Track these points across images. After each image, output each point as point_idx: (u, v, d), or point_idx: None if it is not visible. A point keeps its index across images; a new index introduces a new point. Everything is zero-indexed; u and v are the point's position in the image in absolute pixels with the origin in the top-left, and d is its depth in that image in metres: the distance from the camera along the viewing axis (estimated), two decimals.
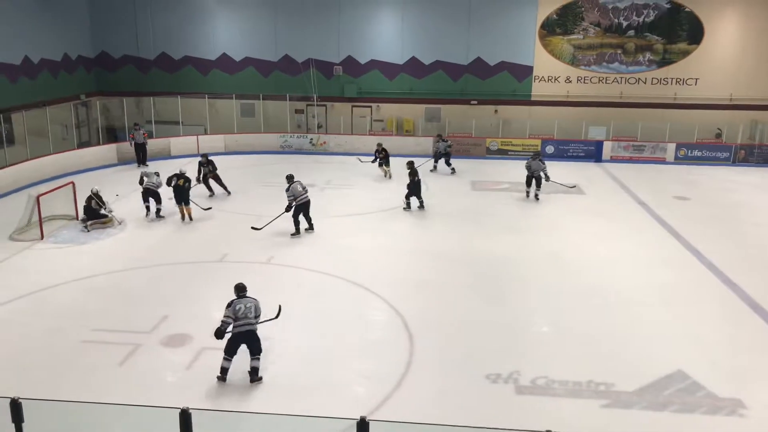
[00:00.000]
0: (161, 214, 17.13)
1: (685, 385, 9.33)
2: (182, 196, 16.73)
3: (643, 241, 15.84)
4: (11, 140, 22.19)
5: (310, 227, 15.97)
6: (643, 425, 8.43)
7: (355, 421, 4.88)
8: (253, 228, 15.83)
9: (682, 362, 9.89)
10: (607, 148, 26.03)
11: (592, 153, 26.01)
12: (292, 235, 15.73)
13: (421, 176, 18.32)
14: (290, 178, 15.95)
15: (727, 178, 23.22)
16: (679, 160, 25.73)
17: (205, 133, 26.85)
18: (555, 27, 27.06)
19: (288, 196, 15.64)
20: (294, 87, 27.87)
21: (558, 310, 11.87)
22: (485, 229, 16.64)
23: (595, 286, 12.93)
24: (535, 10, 26.95)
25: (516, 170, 23.68)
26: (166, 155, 24.92)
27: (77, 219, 16.35)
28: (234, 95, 27.72)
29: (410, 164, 18.26)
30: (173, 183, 16.75)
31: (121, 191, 19.28)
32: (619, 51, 27.04)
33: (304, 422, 6.20)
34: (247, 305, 9.20)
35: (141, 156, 23.30)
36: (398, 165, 20.86)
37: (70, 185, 16.67)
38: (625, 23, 26.75)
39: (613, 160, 25.85)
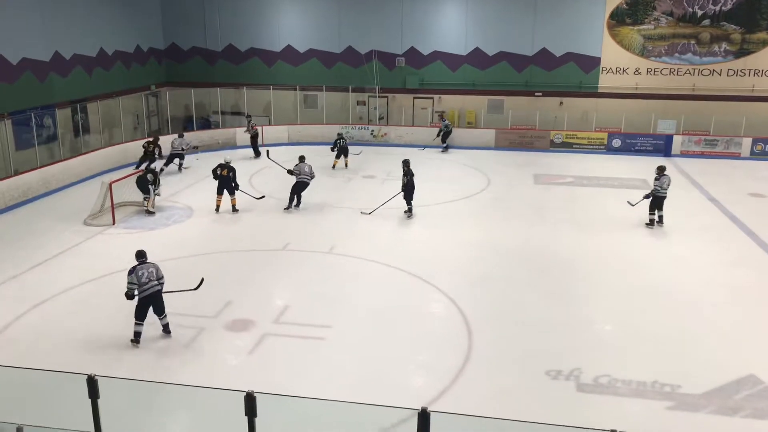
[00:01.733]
0: (183, 168, 21.35)
1: (758, 390, 8.95)
2: (225, 185, 16.80)
3: (714, 239, 15.23)
4: (87, 129, 23.17)
5: (298, 204, 17.31)
6: (711, 430, 8.13)
7: (415, 412, 4.88)
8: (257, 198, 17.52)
9: (754, 366, 9.49)
10: (677, 143, 25.10)
11: (661, 147, 25.14)
12: (284, 209, 17.12)
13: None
14: (301, 159, 17.62)
15: None
16: (755, 155, 24.57)
17: (270, 123, 27.33)
18: (624, 17, 26.21)
19: (294, 169, 17.18)
20: (356, 78, 28.01)
21: (622, 307, 11.56)
22: (548, 223, 16.35)
23: (662, 284, 12.52)
24: None
25: (581, 164, 23.23)
26: (232, 145, 25.50)
27: (146, 205, 16.86)
28: (297, 86, 28.10)
29: (406, 163, 16.83)
30: (217, 173, 16.81)
31: (190, 179, 19.90)
32: (692, 41, 25.98)
33: (365, 410, 6.25)
34: (149, 270, 10.01)
35: (253, 148, 23.90)
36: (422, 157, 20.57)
37: (141, 173, 17.23)
38: (700, 12, 25.66)
39: (683, 154, 24.93)
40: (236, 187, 16.91)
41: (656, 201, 15.84)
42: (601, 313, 11.42)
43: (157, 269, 10.15)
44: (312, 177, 17.24)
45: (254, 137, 24.02)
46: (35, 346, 10.02)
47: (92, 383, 5.21)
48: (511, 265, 13.53)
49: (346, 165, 22.37)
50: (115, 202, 16.15)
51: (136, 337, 10.03)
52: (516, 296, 11.99)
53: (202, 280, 10.92)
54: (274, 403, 5.78)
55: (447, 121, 25.82)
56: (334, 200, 18.17)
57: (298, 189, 17.11)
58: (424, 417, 4.84)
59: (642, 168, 22.61)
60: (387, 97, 28.43)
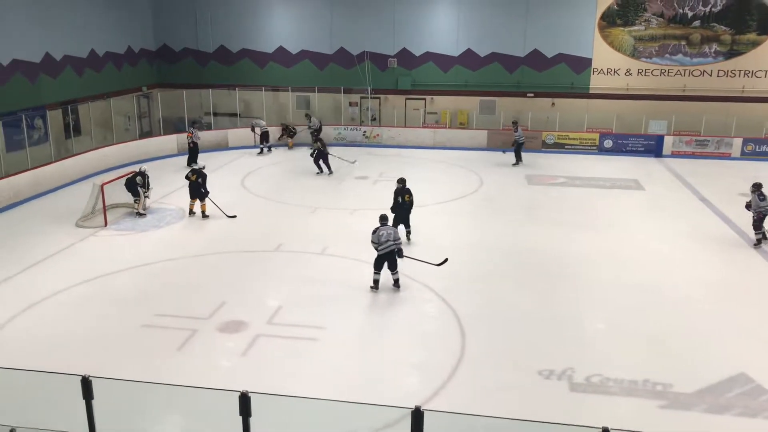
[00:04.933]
0: (270, 150, 24.95)
1: (748, 388, 9.01)
2: (194, 191, 16.54)
3: (705, 239, 15.32)
4: (78, 131, 23.06)
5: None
6: (702, 428, 8.19)
7: (409, 411, 4.90)
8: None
9: (744, 364, 9.56)
10: (668, 143, 25.25)
11: (652, 148, 25.28)
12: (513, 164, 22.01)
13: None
14: (514, 123, 23.28)
15: None
16: (745, 155, 24.74)
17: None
18: (615, 18, 26.35)
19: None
20: (348, 79, 28.03)
21: (614, 307, 11.62)
22: (540, 223, 16.41)
23: (654, 283, 12.60)
24: (595, 0, 26.30)
25: (573, 165, 23.31)
26: (224, 146, 25.47)
27: (137, 208, 16.79)
28: (290, 88, 28.08)
29: (401, 181, 14.82)
30: (188, 177, 16.63)
31: (182, 181, 19.78)
32: (683, 42, 26.14)
33: (359, 409, 6.27)
34: (388, 231, 11.87)
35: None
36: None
37: (132, 174, 17.16)
38: (690, 13, 25.82)
39: (674, 155, 25.07)
40: (206, 193, 16.55)
41: (761, 219, 14.90)
42: (593, 313, 11.47)
43: (395, 232, 11.99)
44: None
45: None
46: (28, 347, 9.97)
47: (86, 384, 5.21)
48: (504, 265, 13.57)
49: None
50: (106, 203, 16.09)
51: (375, 284, 12.03)
52: (509, 296, 12.03)
53: (446, 259, 12.44)
54: (268, 403, 5.79)
55: (313, 120, 25.83)
56: (327, 201, 18.17)
57: (519, 149, 22.56)
58: (417, 416, 4.86)
59: (633, 168, 22.76)
60: (379, 98, 28.45)
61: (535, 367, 9.46)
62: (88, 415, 5.32)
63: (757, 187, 14.97)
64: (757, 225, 14.90)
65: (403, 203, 14.42)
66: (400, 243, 12.00)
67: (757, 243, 14.90)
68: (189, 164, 21.58)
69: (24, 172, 18.45)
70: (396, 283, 12.12)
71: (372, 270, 12.09)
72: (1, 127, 19.39)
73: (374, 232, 11.92)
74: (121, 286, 12.38)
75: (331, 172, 21.28)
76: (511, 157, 23.37)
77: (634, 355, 9.88)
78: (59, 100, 22.70)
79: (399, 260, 12.02)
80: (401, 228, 14.42)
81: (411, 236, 14.84)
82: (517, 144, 23.04)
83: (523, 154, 23.78)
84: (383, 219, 12.24)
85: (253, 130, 25.15)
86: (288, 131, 26.07)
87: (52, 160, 20.00)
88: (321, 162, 21.32)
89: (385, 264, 11.97)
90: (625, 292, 12.20)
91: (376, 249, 11.88)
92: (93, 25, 24.72)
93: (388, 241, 11.77)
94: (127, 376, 8.75)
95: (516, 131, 23.09)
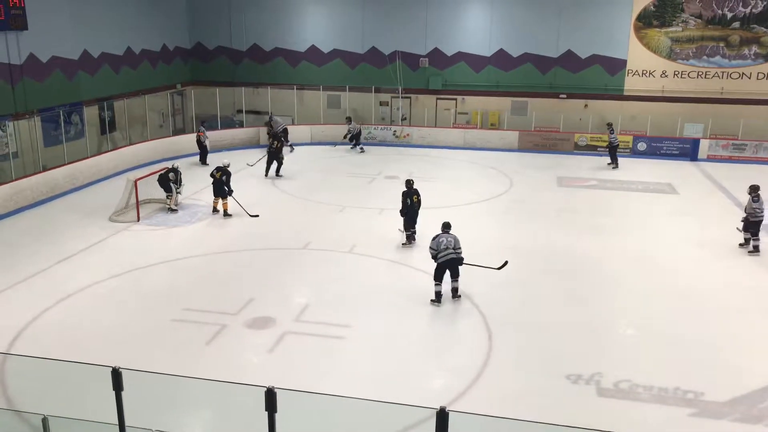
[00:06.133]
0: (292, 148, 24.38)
1: None
2: (218, 189, 16.56)
3: (741, 246, 14.97)
4: (113, 127, 23.49)
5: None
6: None
7: (434, 411, 4.88)
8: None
9: None
10: (704, 147, 24.73)
11: (687, 151, 24.79)
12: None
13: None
14: (609, 124, 22.53)
15: None
16: None
17: (293, 123, 27.45)
18: (652, 19, 25.89)
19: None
20: (380, 79, 28.05)
21: (645, 312, 11.43)
22: (570, 226, 16.22)
23: (686, 289, 12.36)
24: (631, 1, 25.89)
25: (605, 167, 22.98)
26: (255, 144, 25.70)
27: (169, 203, 17.01)
28: (321, 86, 28.20)
29: (409, 183, 14.67)
30: (213, 175, 16.63)
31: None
32: (721, 44, 25.57)
33: (384, 408, 6.27)
34: (448, 239, 11.34)
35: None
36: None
37: (165, 171, 17.41)
38: (729, 14, 25.24)
39: (710, 159, 24.55)
40: (229, 192, 16.55)
41: (753, 225, 14.40)
42: (623, 317, 11.32)
43: (456, 240, 11.39)
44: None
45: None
46: (61, 338, 10.20)
47: (116, 375, 5.30)
48: (533, 267, 13.44)
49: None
50: (139, 199, 16.36)
51: (437, 297, 11.38)
52: (537, 299, 11.92)
53: (506, 262, 11.98)
54: (294, 399, 5.83)
55: (353, 124, 25.60)
56: (355, 200, 18.22)
57: (614, 152, 22.51)
58: (442, 417, 4.83)
59: (667, 172, 22.36)
60: (410, 97, 28.42)
61: (562, 372, 9.35)
62: (117, 406, 5.41)
63: (753, 189, 14.65)
64: (746, 227, 14.54)
65: (412, 205, 14.31)
66: (461, 251, 11.40)
67: (745, 243, 14.62)
68: (204, 163, 21.90)
69: (61, 167, 18.86)
70: (455, 292, 11.53)
71: (432, 281, 11.52)
72: (40, 122, 19.85)
73: (434, 238, 11.48)
74: (152, 280, 12.58)
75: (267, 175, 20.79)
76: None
77: (665, 362, 9.71)
78: (96, 96, 23.13)
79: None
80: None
81: (416, 238, 14.56)
82: (611, 146, 22.97)
83: (556, 156, 23.53)
84: (446, 226, 11.60)
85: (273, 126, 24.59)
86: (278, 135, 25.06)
87: (87, 155, 20.41)
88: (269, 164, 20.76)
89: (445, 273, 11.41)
90: (656, 298, 12.00)
91: (434, 257, 11.36)
92: (129, 24, 25.16)
93: (447, 249, 11.24)
94: (156, 369, 8.89)
95: (612, 134, 22.99)
